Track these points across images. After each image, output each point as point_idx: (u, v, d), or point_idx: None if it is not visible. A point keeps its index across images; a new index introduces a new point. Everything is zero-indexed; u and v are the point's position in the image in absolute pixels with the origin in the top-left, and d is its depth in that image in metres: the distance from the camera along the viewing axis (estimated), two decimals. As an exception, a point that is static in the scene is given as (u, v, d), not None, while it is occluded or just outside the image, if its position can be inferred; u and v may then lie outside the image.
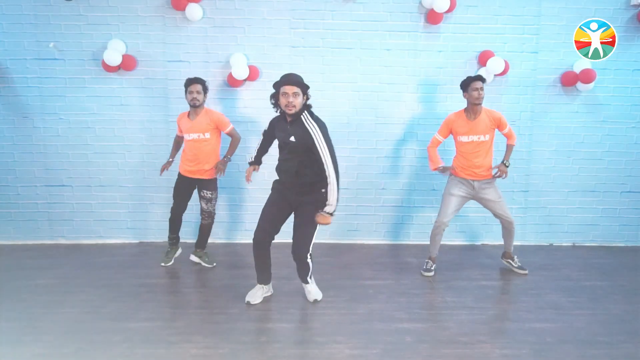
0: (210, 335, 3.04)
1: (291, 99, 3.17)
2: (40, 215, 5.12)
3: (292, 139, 3.26)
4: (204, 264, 4.42)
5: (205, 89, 4.21)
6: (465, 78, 4.12)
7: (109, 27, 4.86)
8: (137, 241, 5.18)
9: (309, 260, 3.47)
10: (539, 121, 5.11)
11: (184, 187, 4.34)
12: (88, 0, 4.81)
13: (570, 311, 3.49)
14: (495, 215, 4.25)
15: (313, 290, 3.64)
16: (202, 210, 4.36)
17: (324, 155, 3.17)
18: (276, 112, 3.45)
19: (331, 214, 3.24)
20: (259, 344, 2.95)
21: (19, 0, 4.79)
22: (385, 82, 5.03)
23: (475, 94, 4.00)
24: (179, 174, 4.36)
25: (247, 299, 3.55)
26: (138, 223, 5.17)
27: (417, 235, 5.26)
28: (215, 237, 5.19)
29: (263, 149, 3.93)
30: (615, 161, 5.18)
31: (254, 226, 5.01)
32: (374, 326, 3.23)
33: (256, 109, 5.02)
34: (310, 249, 3.44)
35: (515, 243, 5.22)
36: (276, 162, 3.54)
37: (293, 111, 3.20)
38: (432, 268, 4.27)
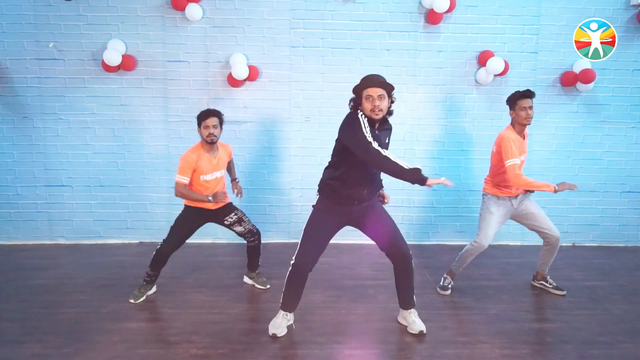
0: (210, 336, 3.04)
1: (377, 103, 2.80)
2: (40, 215, 5.12)
3: (387, 140, 3.02)
4: (257, 285, 3.92)
5: (221, 122, 3.64)
6: (513, 93, 3.60)
7: (108, 27, 4.86)
8: (136, 241, 5.18)
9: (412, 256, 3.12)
10: (539, 121, 5.10)
11: (193, 220, 3.75)
12: (88, 0, 4.81)
13: (570, 311, 3.49)
14: (540, 231, 3.78)
15: (419, 320, 3.18)
16: (241, 234, 3.84)
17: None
18: (362, 118, 2.85)
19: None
20: (259, 344, 2.95)
21: (18, 0, 4.79)
22: (385, 82, 5.02)
23: (523, 114, 3.51)
24: (188, 207, 3.75)
25: (272, 331, 3.09)
26: (138, 223, 5.17)
27: (417, 236, 5.27)
28: (215, 238, 5.19)
29: None
30: (615, 161, 5.19)
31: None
32: (374, 326, 3.23)
33: (256, 109, 5.03)
34: None
35: (515, 243, 5.25)
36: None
37: (380, 116, 2.82)
38: (450, 286, 3.86)
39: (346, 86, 4.95)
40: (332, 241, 5.05)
